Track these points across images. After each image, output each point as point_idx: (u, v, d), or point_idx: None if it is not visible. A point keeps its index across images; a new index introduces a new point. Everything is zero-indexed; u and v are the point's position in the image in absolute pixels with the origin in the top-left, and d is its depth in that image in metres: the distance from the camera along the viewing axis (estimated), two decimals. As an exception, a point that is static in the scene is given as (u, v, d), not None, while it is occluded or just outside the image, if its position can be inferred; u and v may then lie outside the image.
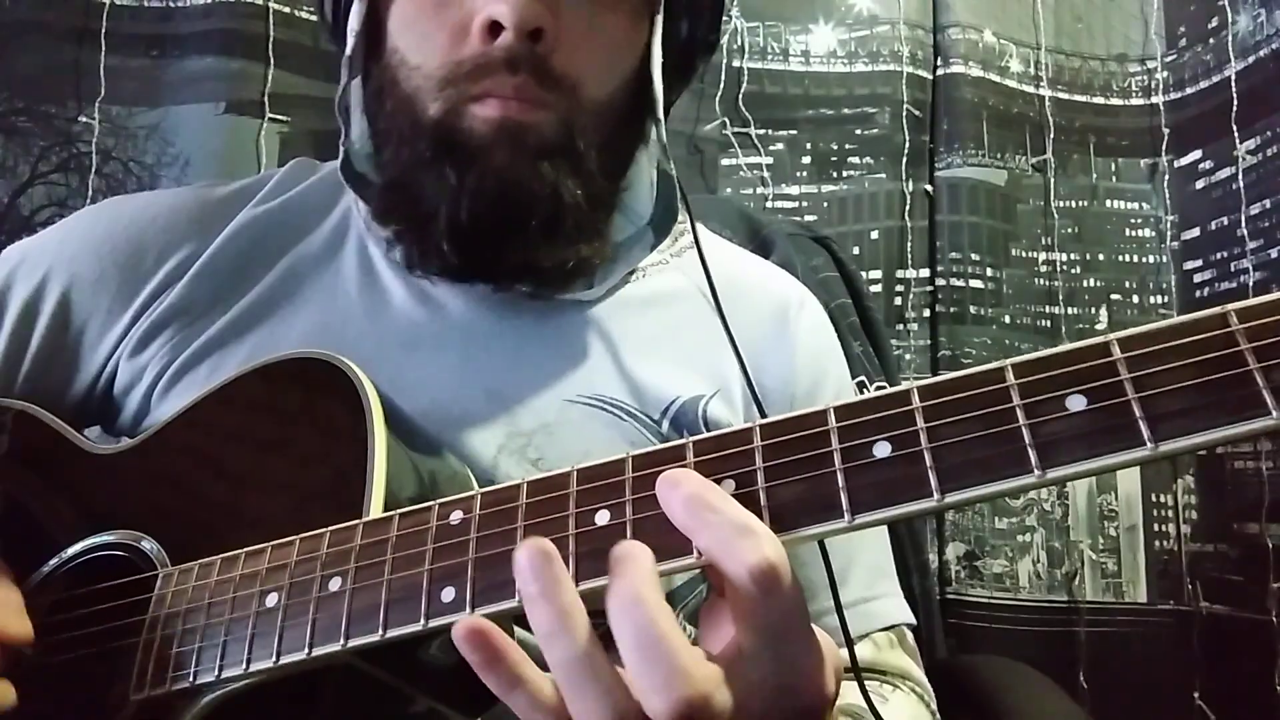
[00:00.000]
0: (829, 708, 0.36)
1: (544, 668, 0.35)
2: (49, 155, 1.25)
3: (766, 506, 0.36)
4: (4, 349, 0.64)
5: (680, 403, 0.61)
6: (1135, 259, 1.43)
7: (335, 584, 0.42)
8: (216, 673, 0.43)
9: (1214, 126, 1.36)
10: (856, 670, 0.50)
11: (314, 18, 1.27)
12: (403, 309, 0.63)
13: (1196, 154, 1.40)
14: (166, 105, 1.27)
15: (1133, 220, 1.44)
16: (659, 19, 0.61)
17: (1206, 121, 1.38)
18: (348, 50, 0.60)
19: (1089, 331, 1.39)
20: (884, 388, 0.38)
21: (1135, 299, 1.42)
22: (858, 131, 1.42)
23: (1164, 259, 1.42)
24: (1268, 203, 1.28)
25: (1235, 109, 1.34)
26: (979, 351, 1.36)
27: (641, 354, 0.63)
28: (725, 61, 1.40)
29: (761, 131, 1.41)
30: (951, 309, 1.37)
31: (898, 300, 1.37)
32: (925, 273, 1.38)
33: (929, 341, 1.37)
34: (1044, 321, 1.40)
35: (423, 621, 0.39)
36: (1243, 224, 1.31)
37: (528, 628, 0.55)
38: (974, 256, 1.38)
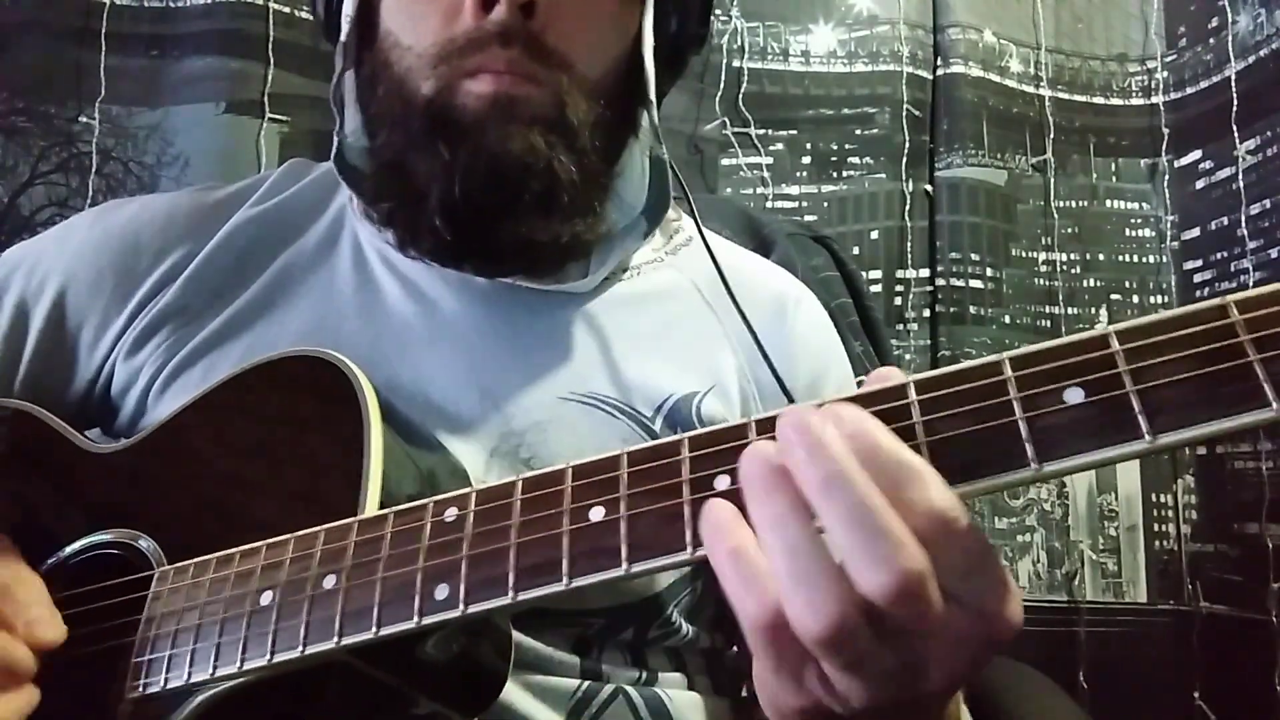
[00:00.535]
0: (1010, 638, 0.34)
1: None
2: (49, 155, 1.25)
3: None
4: (1, 351, 0.64)
5: (674, 400, 0.61)
6: (1135, 259, 1.43)
7: (329, 582, 0.42)
8: (211, 671, 0.43)
9: (1214, 126, 1.36)
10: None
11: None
12: (397, 306, 0.63)
13: (1196, 154, 1.40)
14: (166, 105, 1.27)
15: (1133, 220, 1.44)
16: (649, 6, 0.62)
17: (1206, 121, 1.38)
18: (342, 37, 0.61)
19: (1089, 331, 1.38)
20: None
21: (1135, 299, 1.42)
22: (858, 131, 1.42)
23: (1164, 259, 1.42)
24: (1268, 203, 1.28)
25: (1235, 109, 1.34)
26: (979, 351, 1.36)
27: (635, 351, 0.63)
28: (725, 61, 1.40)
29: (761, 131, 1.41)
30: (951, 309, 1.37)
31: (898, 300, 1.37)
32: (925, 273, 1.38)
33: (929, 341, 1.37)
34: (1044, 321, 1.40)
35: (416, 619, 0.39)
36: (1243, 224, 1.31)
37: (527, 628, 0.55)
38: (974, 256, 1.38)
